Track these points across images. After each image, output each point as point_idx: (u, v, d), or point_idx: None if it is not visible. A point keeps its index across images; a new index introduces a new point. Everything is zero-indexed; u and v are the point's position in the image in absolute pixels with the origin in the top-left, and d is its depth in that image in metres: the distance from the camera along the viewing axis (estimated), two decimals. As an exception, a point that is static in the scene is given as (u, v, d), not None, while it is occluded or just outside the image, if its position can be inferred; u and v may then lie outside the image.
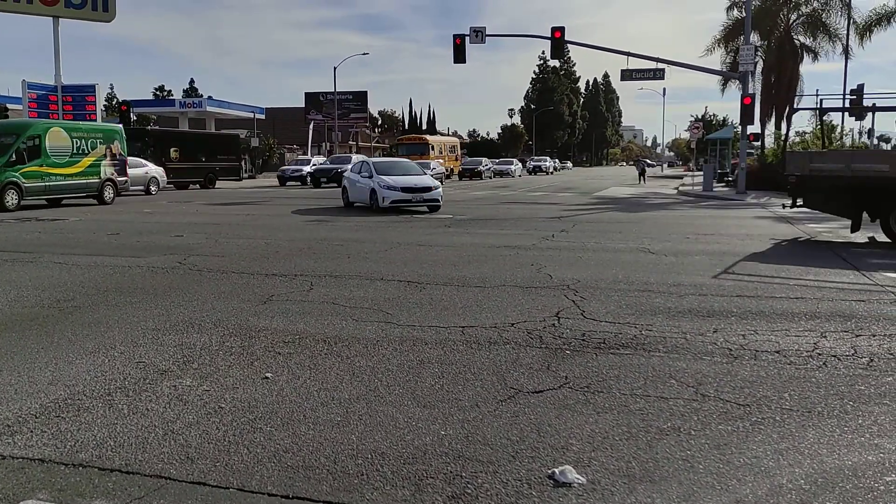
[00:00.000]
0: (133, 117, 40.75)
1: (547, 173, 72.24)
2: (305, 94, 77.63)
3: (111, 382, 4.94)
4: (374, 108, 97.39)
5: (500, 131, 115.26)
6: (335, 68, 61.01)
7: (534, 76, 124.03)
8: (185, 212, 20.83)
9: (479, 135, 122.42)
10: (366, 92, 78.02)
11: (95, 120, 39.49)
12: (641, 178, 49.40)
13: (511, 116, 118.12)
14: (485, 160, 60.39)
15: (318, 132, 70.67)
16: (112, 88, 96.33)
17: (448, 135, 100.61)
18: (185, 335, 6.22)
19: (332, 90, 61.57)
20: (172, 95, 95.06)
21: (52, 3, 37.62)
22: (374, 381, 5.01)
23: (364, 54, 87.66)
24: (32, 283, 8.59)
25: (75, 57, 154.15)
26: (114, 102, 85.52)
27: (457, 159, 58.02)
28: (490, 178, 56.42)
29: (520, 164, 66.76)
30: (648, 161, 62.06)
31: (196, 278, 9.07)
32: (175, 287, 8.44)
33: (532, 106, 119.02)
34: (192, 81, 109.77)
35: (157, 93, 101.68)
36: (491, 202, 25.91)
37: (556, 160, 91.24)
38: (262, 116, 65.46)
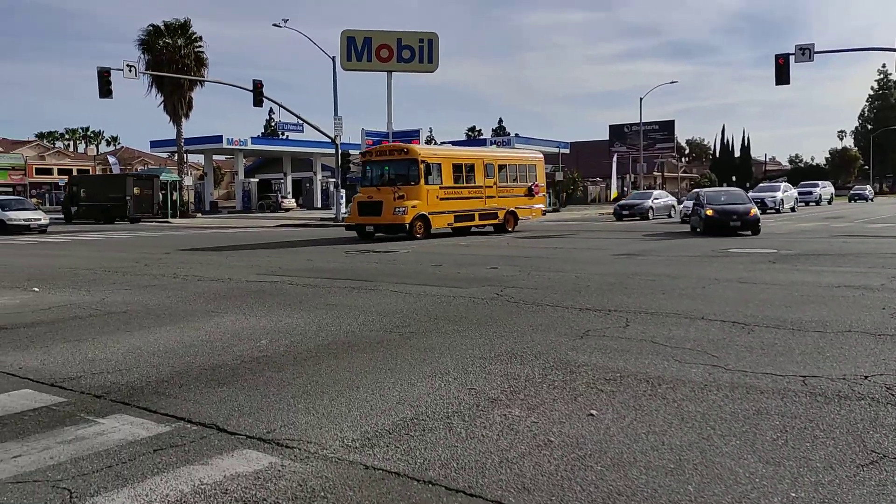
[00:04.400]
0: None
1: (777, 209, 41.27)
2: (609, 126, 77.92)
3: (448, 406, 5.30)
4: (681, 137, 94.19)
5: (827, 156, 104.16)
6: (641, 99, 60.40)
7: (871, 93, 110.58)
8: (497, 245, 21.95)
9: (801, 160, 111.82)
10: (672, 121, 76.07)
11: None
12: None
13: (841, 139, 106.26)
14: (657, 193, 41.38)
15: (622, 164, 70.28)
16: (430, 131, 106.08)
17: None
18: (509, 365, 6.48)
19: (637, 121, 60.93)
20: (483, 135, 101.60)
21: (387, 60, 42.57)
22: (705, 428, 4.72)
23: (672, 83, 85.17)
24: (376, 309, 9.64)
25: (401, 104, 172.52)
26: (432, 144, 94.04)
27: (531, 192, 29.14)
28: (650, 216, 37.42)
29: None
30: None
31: (513, 310, 9.45)
32: (495, 318, 8.87)
33: (869, 126, 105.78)
34: (500, 120, 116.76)
35: (470, 133, 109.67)
36: (821, 235, 23.39)
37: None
38: (567, 151, 66.96)
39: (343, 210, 40.39)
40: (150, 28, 49.38)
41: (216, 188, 74.04)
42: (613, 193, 68.30)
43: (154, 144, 65.03)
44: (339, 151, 39.67)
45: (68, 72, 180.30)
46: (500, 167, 28.07)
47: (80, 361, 6.92)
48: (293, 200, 65.26)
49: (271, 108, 79.63)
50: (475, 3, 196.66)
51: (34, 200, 54.37)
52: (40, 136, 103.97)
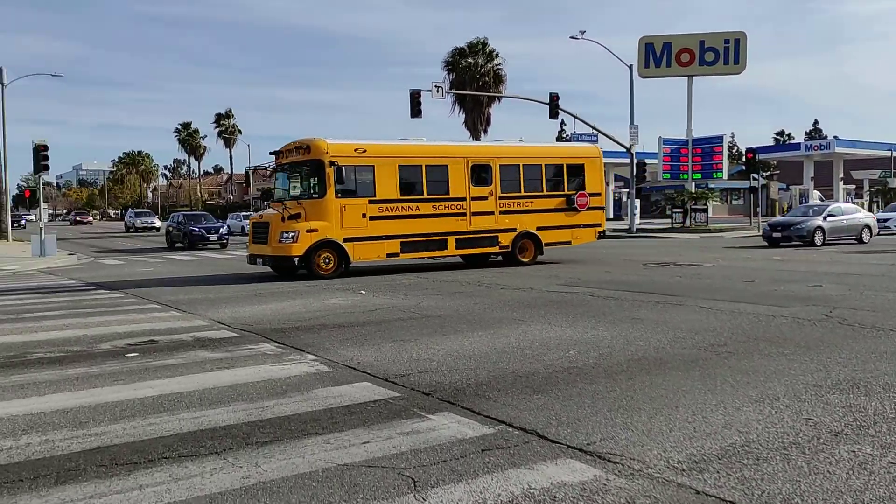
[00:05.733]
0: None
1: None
2: (956, 123, 66.47)
3: (783, 436, 4.82)
4: None
5: None
6: None
7: None
8: (816, 260, 19.82)
9: None
10: None
11: (721, 170, 41.28)
12: None
13: None
14: (835, 206, 28.41)
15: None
16: (732, 136, 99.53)
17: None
18: (850, 396, 5.74)
19: None
20: (794, 138, 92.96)
21: (688, 64, 40.93)
22: None
23: None
24: (685, 326, 9.20)
25: (703, 109, 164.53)
26: (734, 150, 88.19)
27: (571, 204, 20.03)
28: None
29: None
30: None
31: (847, 333, 8.40)
32: (826, 341, 7.95)
33: None
34: (815, 122, 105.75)
35: (778, 137, 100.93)
36: None
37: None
38: (900, 153, 58.38)
39: (637, 221, 39.58)
40: (455, 50, 53.05)
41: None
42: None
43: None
44: (634, 161, 38.94)
45: (381, 95, 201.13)
46: (506, 168, 19.34)
47: (406, 360, 7.56)
48: (585, 211, 65.51)
49: (562, 119, 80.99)
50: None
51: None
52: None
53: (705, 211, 40.96)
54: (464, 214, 18.60)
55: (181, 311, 11.86)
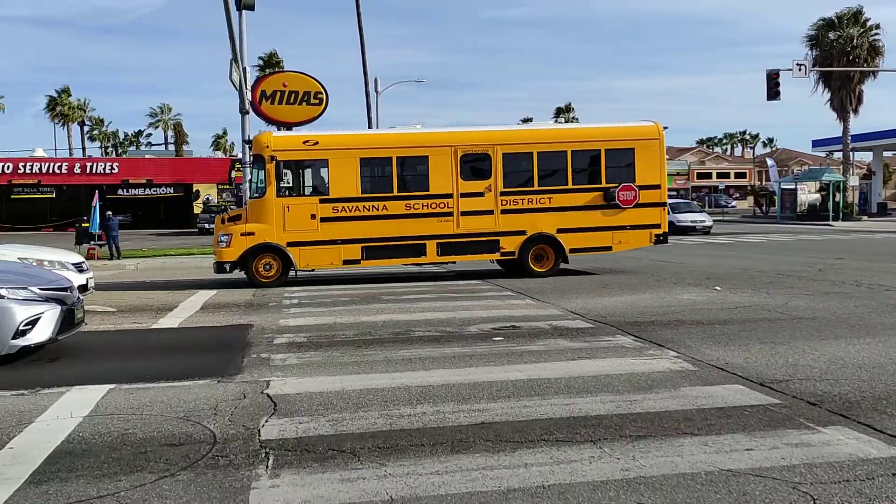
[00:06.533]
0: None
1: None
2: None
3: None
4: None
5: None
6: None
7: None
8: None
9: None
10: None
11: None
12: None
13: None
14: None
15: None
16: None
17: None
18: None
19: None
20: None
21: None
22: None
23: None
24: None
25: None
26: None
27: (611, 200, 15.53)
28: None
29: None
30: None
31: None
32: None
33: None
34: None
35: None
36: None
37: None
38: None
39: None
40: (820, 22, 47.69)
41: (884, 188, 67.11)
42: None
43: (816, 144, 62.81)
44: None
45: (727, 79, 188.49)
46: (512, 158, 15.90)
47: (781, 365, 6.93)
48: None
49: (958, 92, 67.09)
50: None
51: (696, 203, 58.62)
52: (700, 142, 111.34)
53: None
54: (450, 214, 15.66)
55: (534, 300, 12.38)
